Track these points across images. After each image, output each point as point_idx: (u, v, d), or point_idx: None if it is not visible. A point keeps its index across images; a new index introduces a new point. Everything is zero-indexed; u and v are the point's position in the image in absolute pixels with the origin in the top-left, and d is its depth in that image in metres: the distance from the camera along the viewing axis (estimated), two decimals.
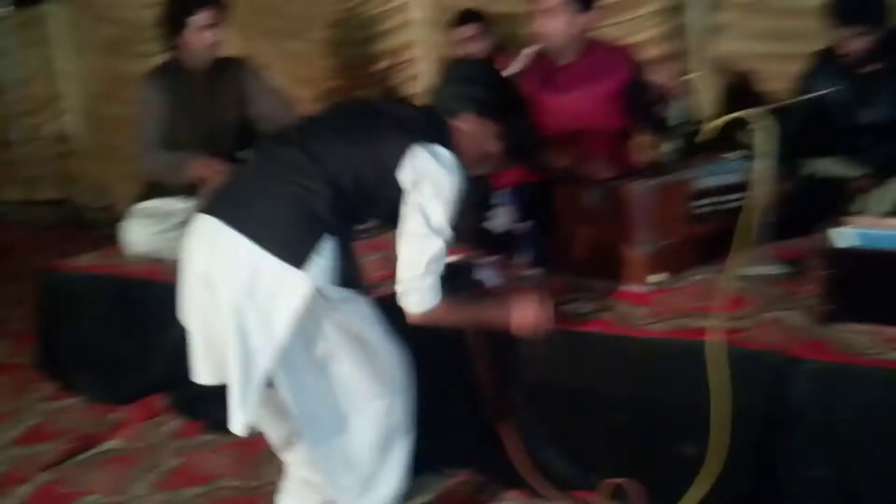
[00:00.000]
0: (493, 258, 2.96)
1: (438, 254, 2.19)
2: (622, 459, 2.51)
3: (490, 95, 2.34)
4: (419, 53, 5.00)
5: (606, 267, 2.80)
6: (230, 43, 3.80)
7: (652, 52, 3.97)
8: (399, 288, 2.22)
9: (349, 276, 2.26)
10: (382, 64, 5.19)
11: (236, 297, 2.12)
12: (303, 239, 2.16)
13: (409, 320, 2.26)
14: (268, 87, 3.71)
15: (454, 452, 2.78)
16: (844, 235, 2.37)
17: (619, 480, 2.50)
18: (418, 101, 2.57)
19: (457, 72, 2.42)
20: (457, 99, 2.32)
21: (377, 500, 2.40)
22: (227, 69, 3.65)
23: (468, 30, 4.15)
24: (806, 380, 2.20)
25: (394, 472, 2.42)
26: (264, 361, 2.13)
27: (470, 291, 2.67)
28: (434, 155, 2.19)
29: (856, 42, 3.29)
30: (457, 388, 2.70)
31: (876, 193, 3.14)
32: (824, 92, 3.14)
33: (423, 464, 2.56)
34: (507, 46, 4.16)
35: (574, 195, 2.88)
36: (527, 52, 3.18)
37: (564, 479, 2.61)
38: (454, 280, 2.36)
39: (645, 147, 3.33)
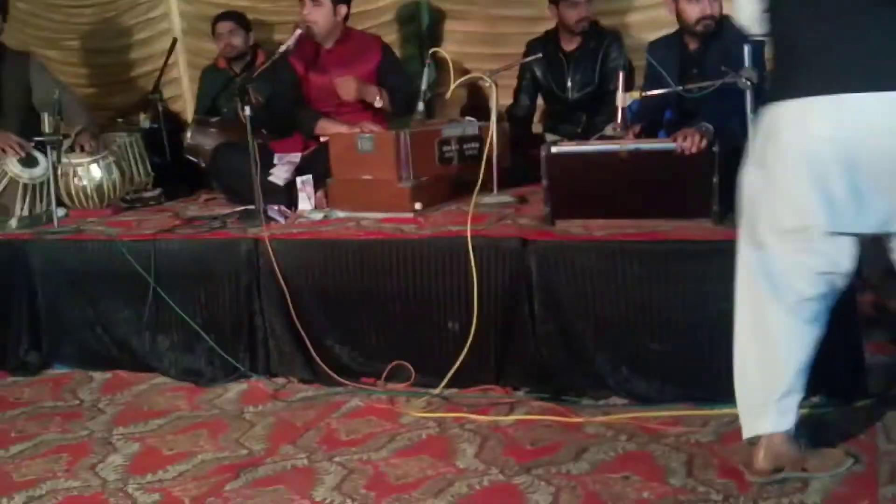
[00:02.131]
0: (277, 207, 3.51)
1: None
2: (400, 344, 3.11)
3: None
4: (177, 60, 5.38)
5: (377, 200, 3.42)
6: None
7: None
8: None
9: None
10: (138, 71, 5.53)
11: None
12: None
13: None
14: (50, 78, 4.28)
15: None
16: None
17: (396, 363, 3.09)
18: None
19: None
20: None
21: None
22: (13, 60, 4.18)
23: (227, 25, 4.65)
24: (535, 257, 2.91)
25: None
26: None
27: None
28: None
29: (571, 12, 4.00)
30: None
31: None
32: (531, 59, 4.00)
33: None
34: (263, 45, 4.76)
35: (348, 145, 3.48)
36: (298, 32, 3.76)
37: (353, 369, 3.17)
38: None
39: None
